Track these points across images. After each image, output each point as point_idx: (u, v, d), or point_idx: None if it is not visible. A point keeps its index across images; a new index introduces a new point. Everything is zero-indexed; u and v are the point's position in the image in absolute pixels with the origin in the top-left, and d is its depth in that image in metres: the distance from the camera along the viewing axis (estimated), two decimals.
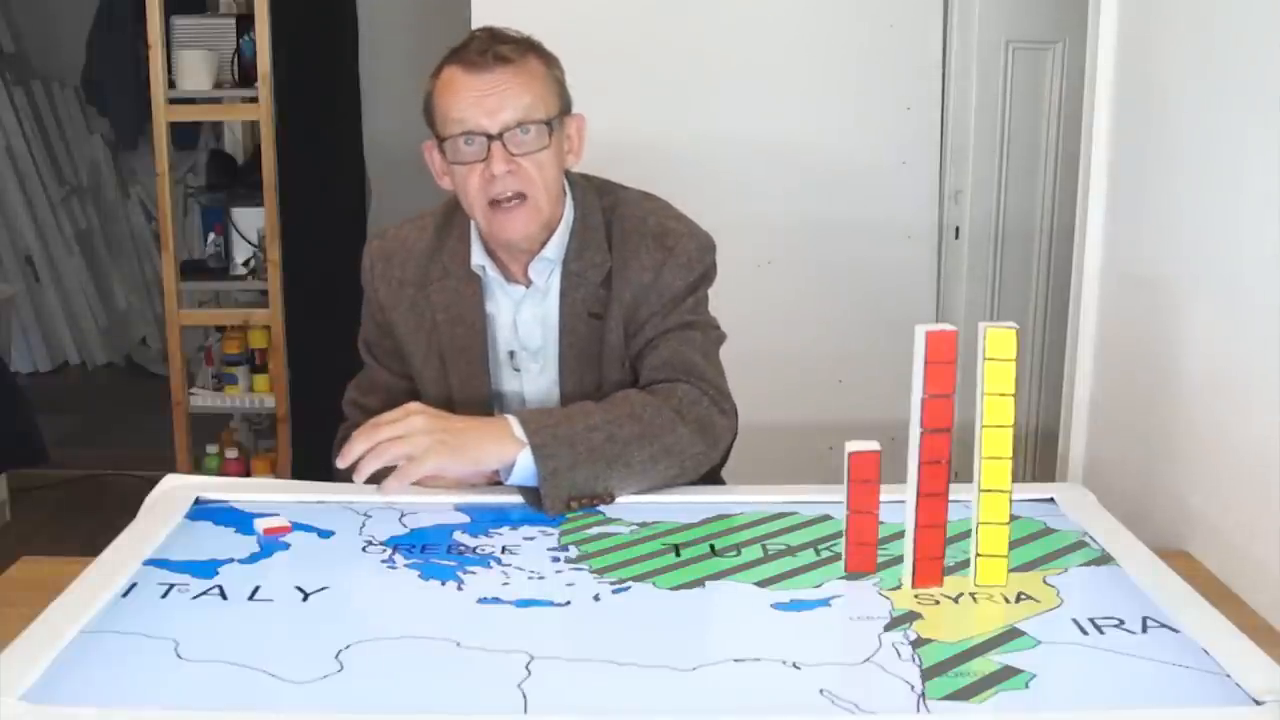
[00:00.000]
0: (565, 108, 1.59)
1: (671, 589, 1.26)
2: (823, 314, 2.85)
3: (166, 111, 3.21)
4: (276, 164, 3.23)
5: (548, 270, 1.62)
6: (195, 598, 1.23)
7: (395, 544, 1.37)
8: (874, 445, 1.28)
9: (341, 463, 1.46)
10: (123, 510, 1.48)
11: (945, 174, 2.86)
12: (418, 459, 1.43)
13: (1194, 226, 1.57)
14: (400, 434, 1.44)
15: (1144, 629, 1.17)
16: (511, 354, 1.66)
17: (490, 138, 1.50)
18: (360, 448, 1.44)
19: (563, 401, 1.62)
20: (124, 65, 4.58)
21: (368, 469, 1.44)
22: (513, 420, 1.48)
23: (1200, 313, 1.55)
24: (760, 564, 1.32)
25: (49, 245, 5.45)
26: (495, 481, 1.55)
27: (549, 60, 1.58)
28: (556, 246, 1.62)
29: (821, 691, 1.04)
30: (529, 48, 1.55)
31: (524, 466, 1.46)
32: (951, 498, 1.25)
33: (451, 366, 1.64)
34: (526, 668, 1.08)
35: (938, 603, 1.23)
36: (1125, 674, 1.09)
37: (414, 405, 1.49)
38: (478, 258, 1.63)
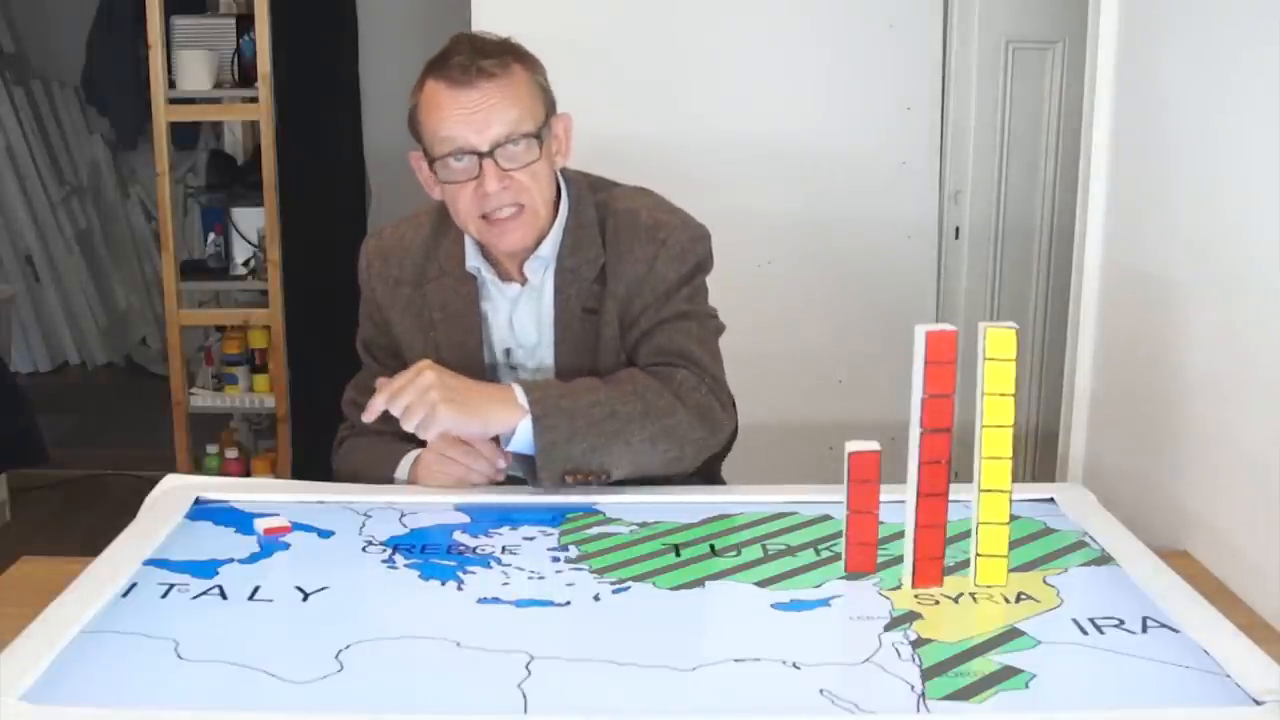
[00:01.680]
0: (550, 110, 1.58)
1: (671, 589, 1.26)
2: (823, 314, 2.85)
3: (166, 111, 3.21)
4: (276, 164, 3.23)
5: (542, 268, 1.63)
6: (195, 598, 1.23)
7: (395, 544, 1.37)
8: (874, 445, 1.28)
9: (367, 417, 1.47)
10: (123, 510, 1.48)
11: (945, 174, 2.85)
12: (430, 417, 1.44)
13: (1194, 226, 1.57)
14: (411, 399, 1.44)
15: (1144, 629, 1.17)
16: (508, 351, 1.66)
17: (481, 155, 1.50)
18: (380, 406, 1.45)
19: None
20: (124, 65, 4.58)
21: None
22: (517, 388, 1.49)
23: (1200, 312, 1.55)
24: (760, 564, 1.32)
25: (49, 245, 5.45)
26: (497, 481, 1.55)
27: (531, 65, 1.56)
28: (551, 244, 1.62)
29: (821, 691, 1.04)
30: (511, 57, 1.54)
31: (525, 434, 1.47)
32: (951, 498, 1.25)
33: (448, 364, 1.64)
34: (526, 668, 1.08)
35: (938, 603, 1.23)
36: (1125, 674, 1.09)
37: (425, 362, 1.49)
38: (472, 259, 1.64)
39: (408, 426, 1.46)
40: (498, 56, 1.52)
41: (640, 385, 1.53)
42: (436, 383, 1.45)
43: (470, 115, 1.50)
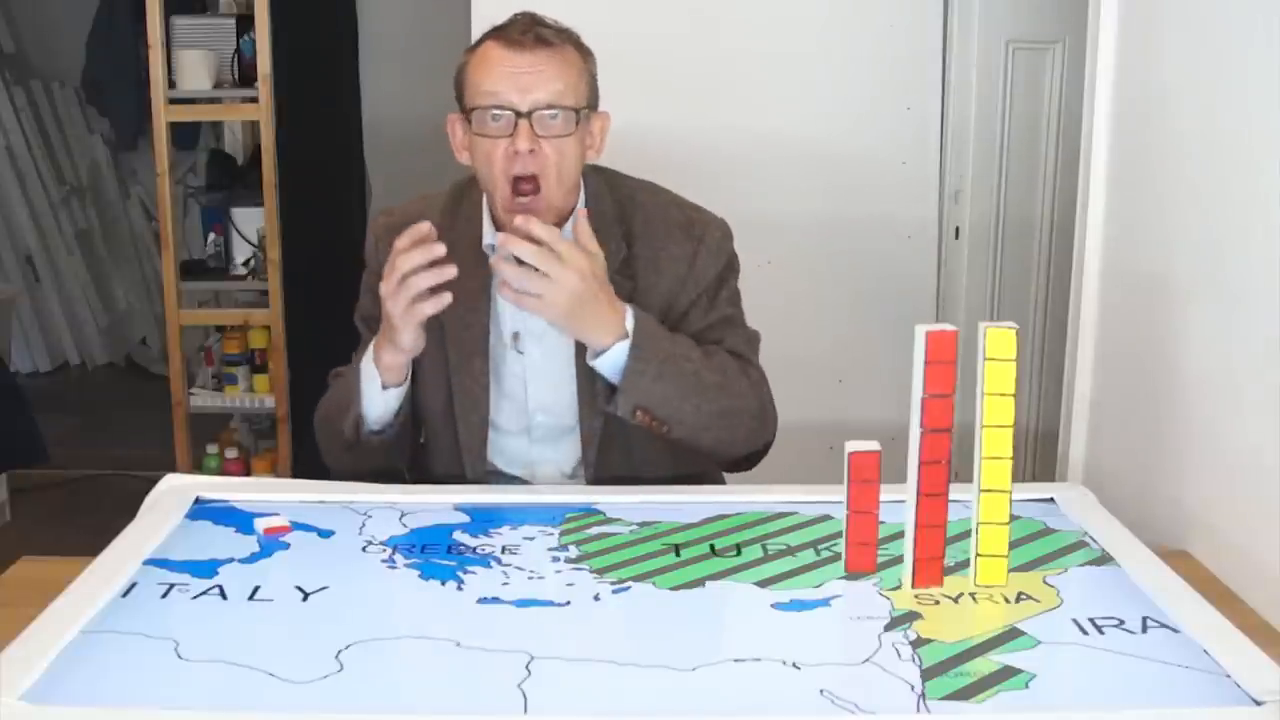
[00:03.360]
0: (593, 103, 1.60)
1: (671, 589, 1.26)
2: (823, 314, 2.85)
3: (166, 111, 3.22)
4: (276, 164, 3.23)
5: None
6: (195, 598, 1.23)
7: (395, 544, 1.37)
8: (874, 445, 1.28)
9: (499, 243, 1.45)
10: (123, 510, 1.48)
11: (945, 174, 2.86)
12: (542, 303, 1.44)
13: (1194, 226, 1.57)
14: (548, 284, 1.42)
15: (1144, 629, 1.17)
16: (515, 335, 1.64)
17: (519, 115, 1.51)
18: (520, 251, 1.43)
19: (578, 386, 1.61)
20: (124, 65, 4.58)
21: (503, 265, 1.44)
22: (629, 314, 1.51)
23: (1200, 313, 1.55)
24: (760, 564, 1.32)
25: (49, 245, 5.45)
26: (496, 480, 1.55)
27: (586, 54, 1.59)
28: (569, 233, 1.61)
29: (821, 691, 1.04)
30: (569, 37, 1.57)
31: (614, 357, 1.49)
32: (951, 498, 1.25)
33: (451, 343, 1.63)
34: (526, 668, 1.07)
35: (938, 603, 1.23)
36: (1125, 674, 1.09)
37: (581, 261, 1.44)
38: (489, 237, 1.62)
39: (515, 289, 1.44)
40: (557, 31, 1.56)
41: (724, 361, 1.58)
42: (575, 289, 1.42)
43: (517, 74, 1.51)
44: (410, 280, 1.44)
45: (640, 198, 1.67)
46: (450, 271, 1.45)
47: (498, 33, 1.55)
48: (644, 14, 2.74)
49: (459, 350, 1.63)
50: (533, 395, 1.63)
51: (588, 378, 1.59)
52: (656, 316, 1.61)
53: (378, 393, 1.56)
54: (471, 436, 1.63)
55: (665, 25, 2.75)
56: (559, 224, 1.60)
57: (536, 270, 1.43)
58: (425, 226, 1.46)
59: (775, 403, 1.65)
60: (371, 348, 1.55)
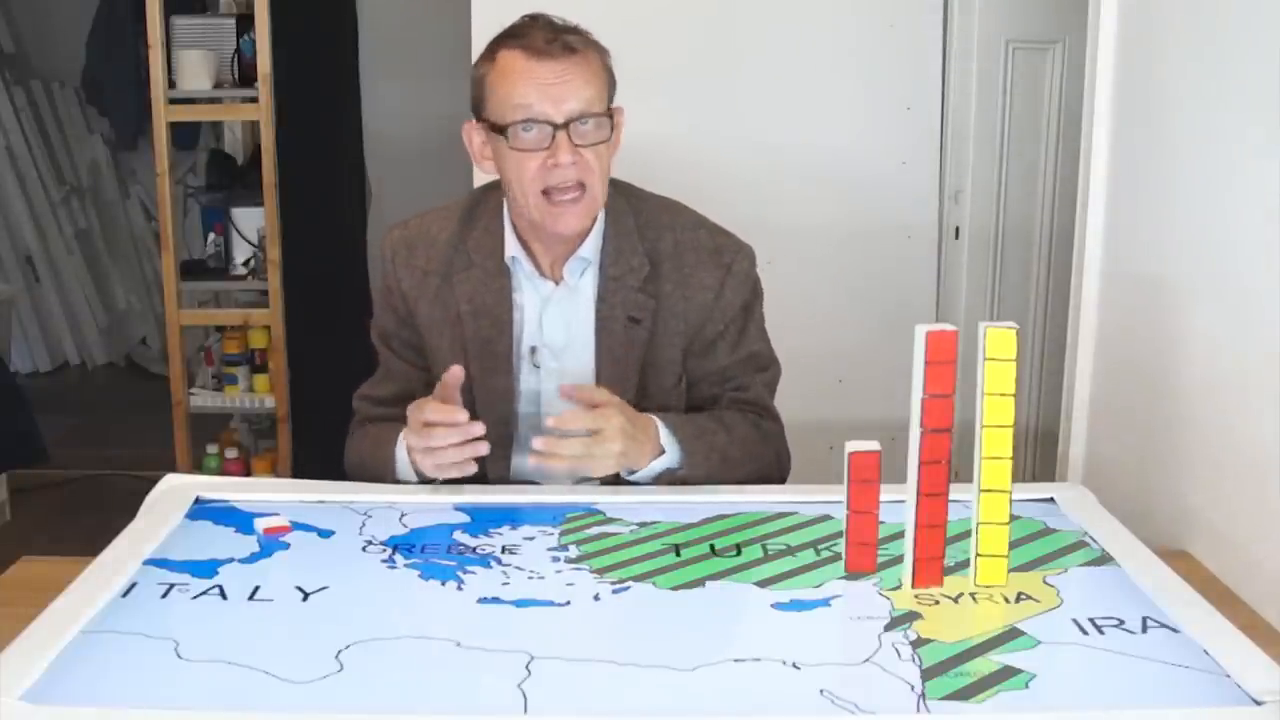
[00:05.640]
0: (613, 99, 1.59)
1: (671, 589, 1.26)
2: (823, 314, 2.85)
3: (166, 111, 3.22)
4: (276, 164, 3.23)
5: (580, 269, 1.61)
6: (195, 598, 1.23)
7: (395, 544, 1.37)
8: (874, 445, 1.28)
9: (537, 445, 1.46)
10: (123, 510, 1.48)
11: (945, 174, 2.86)
12: (596, 462, 1.47)
13: (1194, 226, 1.57)
14: (598, 440, 1.46)
15: (1144, 629, 1.17)
16: (533, 349, 1.63)
17: (556, 127, 1.50)
18: (561, 444, 1.45)
19: None
20: (124, 65, 4.58)
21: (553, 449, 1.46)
22: (662, 428, 1.54)
23: (1200, 313, 1.55)
24: (760, 564, 1.32)
25: (49, 245, 5.45)
26: (492, 480, 1.55)
27: (604, 53, 1.58)
28: (592, 247, 1.61)
29: (821, 691, 1.04)
30: (587, 39, 1.56)
31: (650, 470, 1.54)
32: (951, 498, 1.25)
33: (474, 359, 1.61)
34: (526, 668, 1.08)
35: (938, 603, 1.23)
36: (1125, 674, 1.09)
37: (614, 406, 1.48)
38: (511, 249, 1.61)
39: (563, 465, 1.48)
40: (579, 35, 1.54)
41: (746, 431, 1.62)
42: (622, 432, 1.47)
43: (548, 86, 1.50)
44: (440, 452, 1.46)
45: (665, 217, 1.66)
46: (482, 449, 1.47)
47: (517, 40, 1.52)
48: (640, 17, 2.74)
49: (480, 364, 1.62)
50: (546, 408, 1.62)
51: None
52: (680, 341, 1.62)
53: (414, 478, 1.56)
54: (493, 449, 1.63)
55: (662, 27, 2.75)
56: (585, 232, 1.59)
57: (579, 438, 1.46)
58: (454, 399, 1.46)
59: (779, 408, 1.66)
60: (404, 448, 1.53)
